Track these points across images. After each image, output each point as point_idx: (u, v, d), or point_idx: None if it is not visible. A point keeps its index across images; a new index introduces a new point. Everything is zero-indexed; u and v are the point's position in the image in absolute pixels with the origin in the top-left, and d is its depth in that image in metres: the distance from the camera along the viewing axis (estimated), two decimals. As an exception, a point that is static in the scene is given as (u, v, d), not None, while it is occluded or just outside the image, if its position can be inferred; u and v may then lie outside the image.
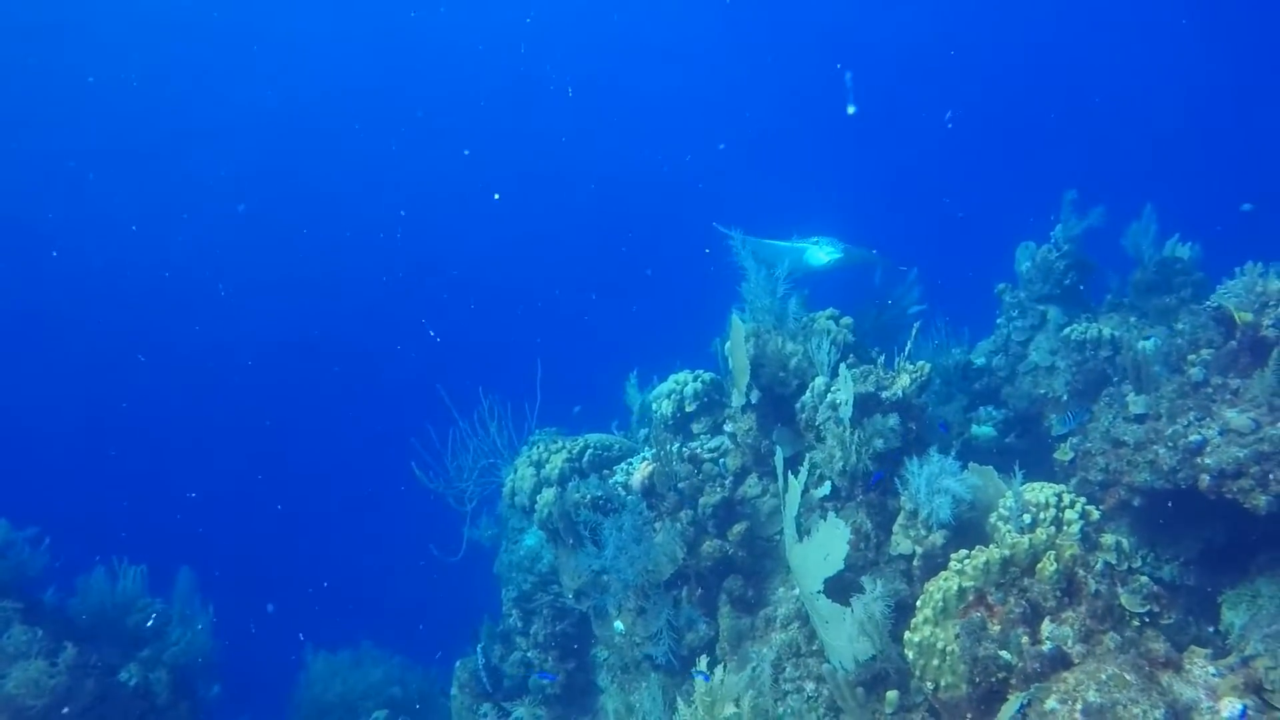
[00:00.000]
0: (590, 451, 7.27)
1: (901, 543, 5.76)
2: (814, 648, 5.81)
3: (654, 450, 6.61)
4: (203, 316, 27.97)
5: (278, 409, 25.74)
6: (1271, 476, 5.82)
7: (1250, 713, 4.01)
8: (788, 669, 5.84)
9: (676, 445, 6.67)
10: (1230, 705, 4.04)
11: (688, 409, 7.07)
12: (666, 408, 7.09)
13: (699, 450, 6.77)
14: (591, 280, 28.85)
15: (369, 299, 29.96)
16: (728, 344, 6.65)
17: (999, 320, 8.44)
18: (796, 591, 5.95)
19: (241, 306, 28.66)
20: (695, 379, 7.14)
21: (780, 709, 5.70)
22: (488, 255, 30.64)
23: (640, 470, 6.59)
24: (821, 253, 7.28)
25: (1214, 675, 4.30)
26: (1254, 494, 5.85)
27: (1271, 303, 6.45)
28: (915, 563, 5.68)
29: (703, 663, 5.30)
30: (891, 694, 4.96)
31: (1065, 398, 7.59)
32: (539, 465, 7.17)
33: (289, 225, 30.35)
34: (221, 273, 28.90)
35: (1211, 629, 6.53)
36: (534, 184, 31.50)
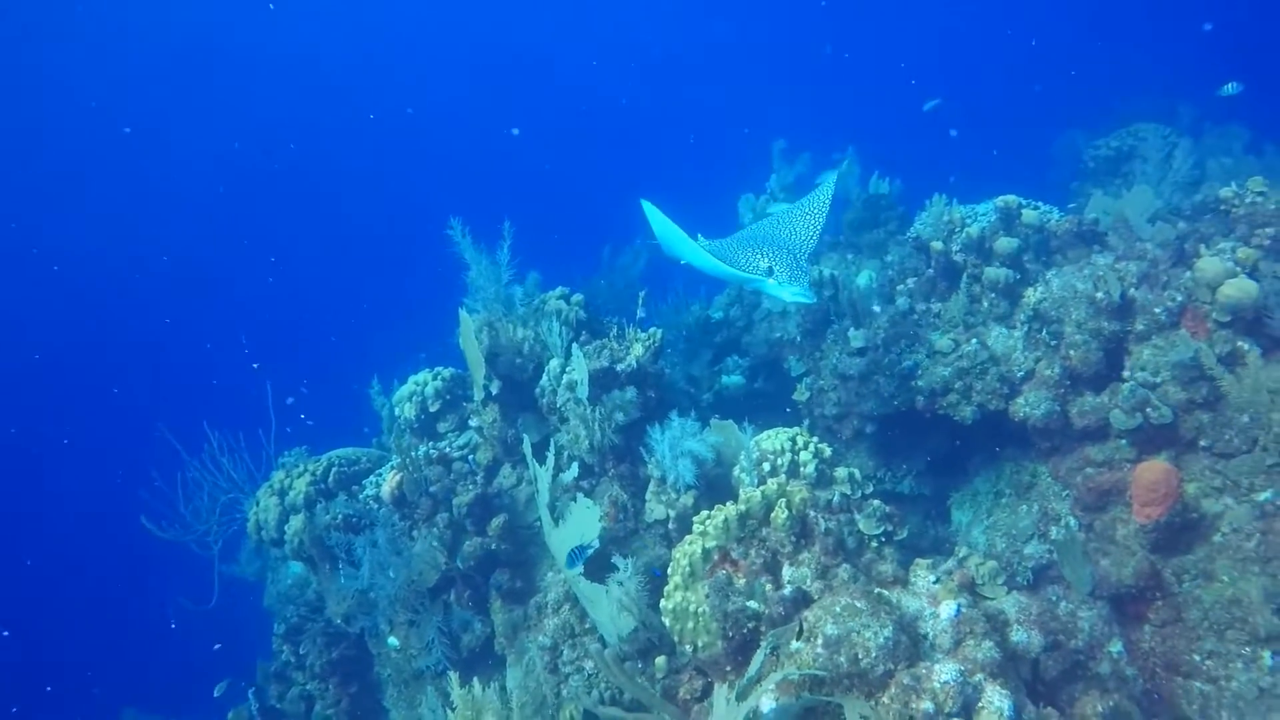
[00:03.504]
0: (335, 469, 6.88)
1: (655, 509, 5.86)
2: (587, 626, 5.81)
3: (399, 458, 6.33)
4: None
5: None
6: (973, 389, 6.39)
7: (964, 609, 4.38)
8: (565, 652, 5.81)
9: (423, 449, 6.43)
10: (947, 607, 4.40)
11: (431, 409, 6.83)
12: (409, 411, 6.81)
13: (448, 449, 6.57)
14: (317, 285, 26.58)
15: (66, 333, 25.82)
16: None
17: (732, 271, 8.72)
18: (564, 575, 5.92)
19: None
20: (435, 377, 6.90)
21: (563, 691, 5.68)
22: (194, 268, 27.53)
23: (389, 480, 6.30)
24: (785, 292, 5.49)
25: (934, 583, 4.67)
26: (960, 407, 6.41)
27: (957, 229, 7.03)
28: (671, 526, 5.80)
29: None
30: (660, 660, 5.04)
31: (799, 339, 7.96)
32: (282, 493, 6.70)
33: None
34: None
35: (946, 529, 7.19)
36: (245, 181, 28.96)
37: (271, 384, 7.20)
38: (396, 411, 6.96)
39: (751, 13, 31.13)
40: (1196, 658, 5.31)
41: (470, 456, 6.50)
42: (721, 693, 4.03)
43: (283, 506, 6.65)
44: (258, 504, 6.77)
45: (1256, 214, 6.24)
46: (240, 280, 26.45)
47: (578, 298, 6.67)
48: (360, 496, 6.60)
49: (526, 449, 5.85)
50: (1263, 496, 5.40)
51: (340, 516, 6.31)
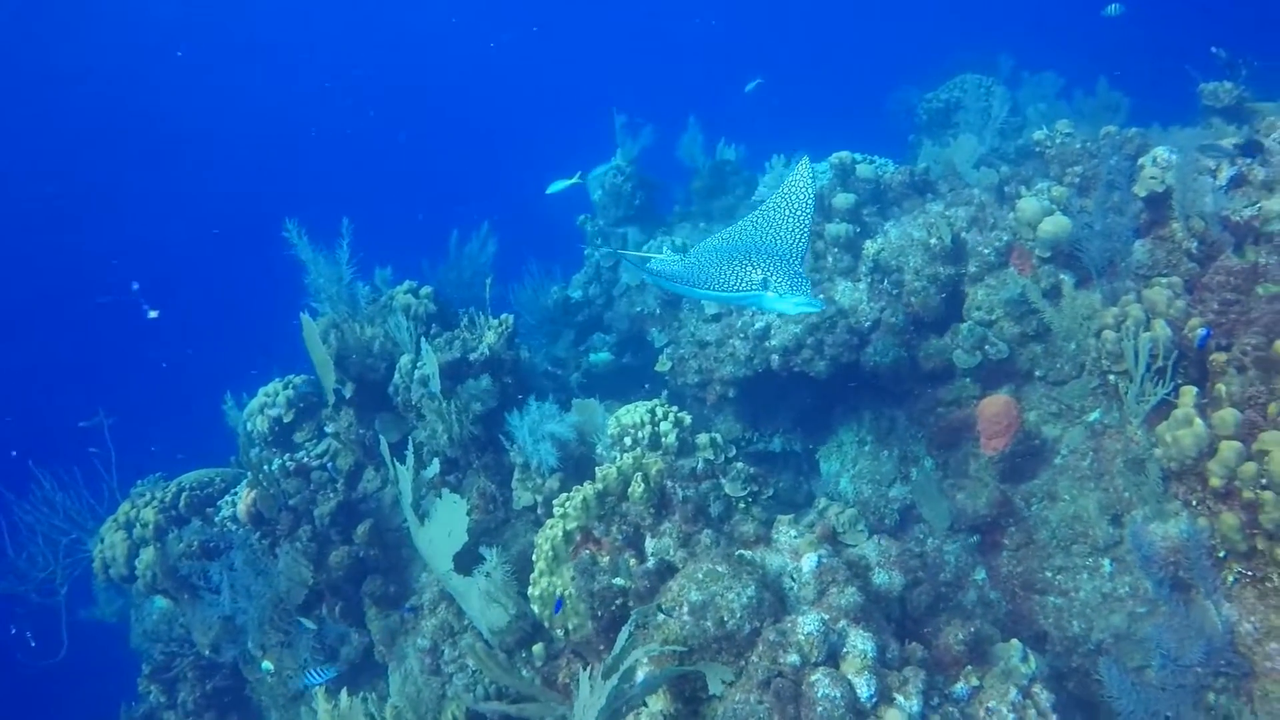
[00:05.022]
0: (187, 494, 6.53)
1: (523, 495, 5.79)
2: (466, 624, 5.70)
3: (251, 473, 6.05)
4: None
5: None
6: (825, 344, 6.54)
7: (824, 560, 4.47)
8: (445, 651, 5.69)
9: (277, 461, 6.16)
10: (808, 560, 4.48)
11: (285, 419, 6.55)
12: (262, 424, 6.52)
13: (305, 459, 6.31)
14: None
15: None
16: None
17: (586, 251, 8.69)
18: (436, 574, 5.80)
19: None
20: (286, 386, 6.62)
21: (447, 691, 5.57)
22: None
23: (244, 498, 6.03)
24: (788, 304, 4.68)
25: (795, 537, 4.75)
26: (814, 362, 6.55)
27: (797, 189, 7.15)
28: (540, 511, 5.74)
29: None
30: (537, 647, 4.98)
31: (659, 311, 7.99)
32: (129, 526, 6.32)
33: None
34: None
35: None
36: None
37: (106, 412, 6.74)
38: (248, 426, 6.64)
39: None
40: (1049, 574, 5.62)
41: (329, 464, 6.27)
42: (585, 676, 3.99)
43: (131, 540, 6.27)
44: (102, 541, 6.36)
45: (1066, 154, 6.59)
46: (65, 294, 23.96)
47: (427, 290, 6.50)
48: (216, 519, 6.28)
49: (384, 450, 5.68)
50: (1092, 417, 5.73)
51: (195, 543, 6.00)
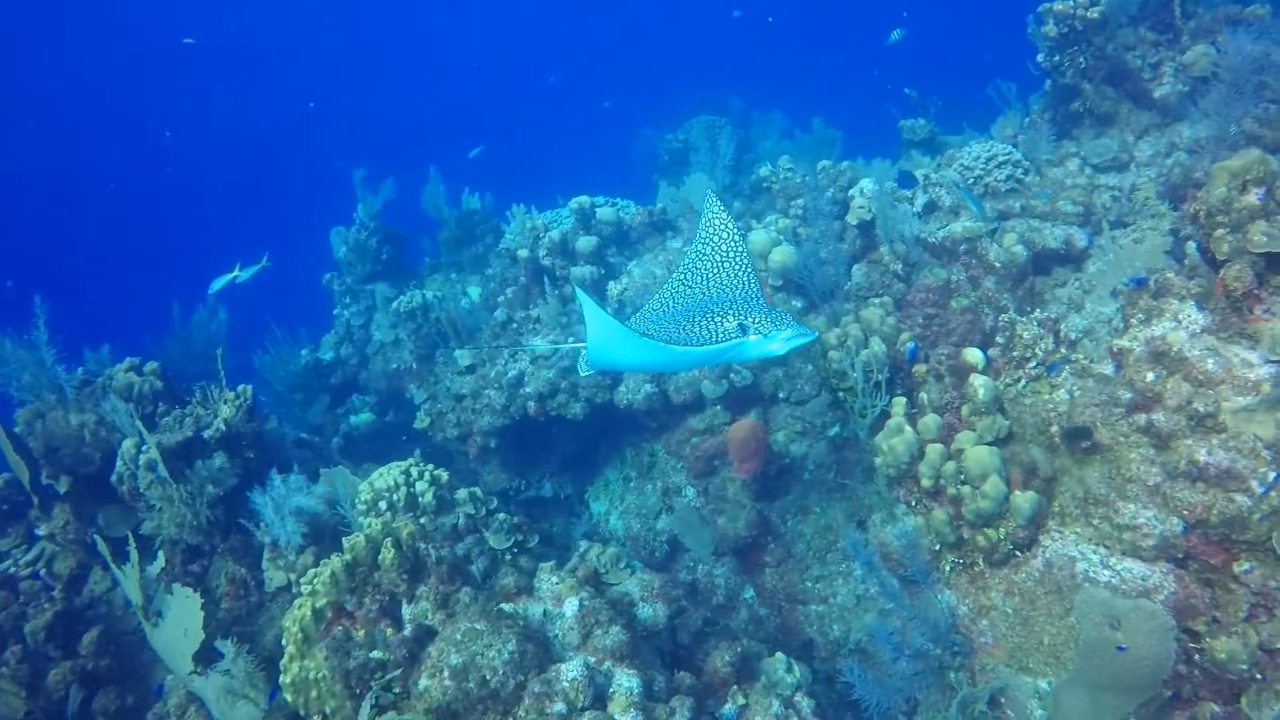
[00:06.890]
0: None
1: (275, 576, 5.42)
2: (220, 725, 5.24)
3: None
4: None
5: None
6: (579, 385, 6.62)
7: (586, 602, 4.47)
8: (199, 761, 5.20)
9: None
10: (570, 604, 4.47)
11: (-15, 526, 5.79)
12: (-46, 535, 5.72)
13: (13, 569, 5.59)
14: None
15: None
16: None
17: (336, 310, 8.36)
18: (178, 677, 5.28)
19: None
20: (-18, 488, 5.85)
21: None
22: None
23: (-69, 626, 5.24)
24: (777, 343, 4.12)
25: (557, 583, 4.73)
26: (570, 405, 6.60)
27: (541, 235, 7.24)
28: (295, 591, 5.40)
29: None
30: (296, 740, 4.65)
31: (415, 366, 7.79)
32: None
33: None
34: None
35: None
36: None
37: None
38: (-70, 541, 5.79)
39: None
40: (809, 584, 5.93)
41: (41, 571, 5.58)
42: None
43: None
44: None
45: (789, 188, 7.07)
46: None
47: (151, 366, 5.98)
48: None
49: (103, 549, 5.14)
50: (832, 432, 6.12)
51: None
